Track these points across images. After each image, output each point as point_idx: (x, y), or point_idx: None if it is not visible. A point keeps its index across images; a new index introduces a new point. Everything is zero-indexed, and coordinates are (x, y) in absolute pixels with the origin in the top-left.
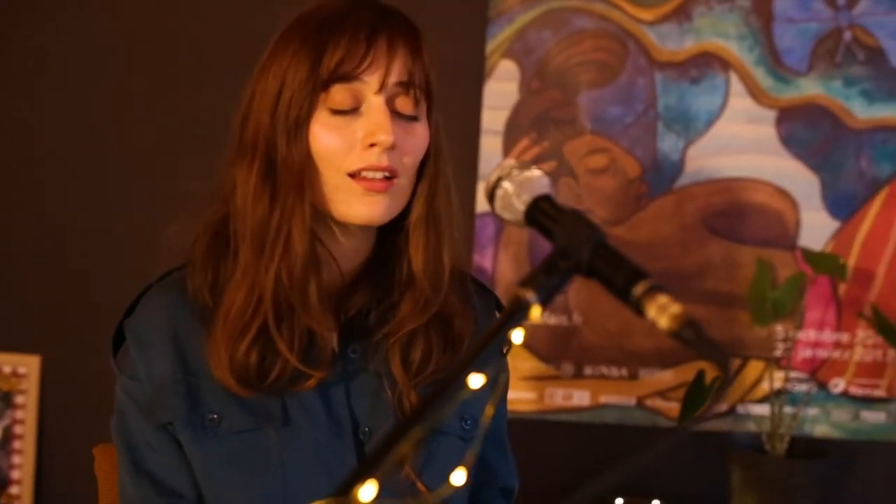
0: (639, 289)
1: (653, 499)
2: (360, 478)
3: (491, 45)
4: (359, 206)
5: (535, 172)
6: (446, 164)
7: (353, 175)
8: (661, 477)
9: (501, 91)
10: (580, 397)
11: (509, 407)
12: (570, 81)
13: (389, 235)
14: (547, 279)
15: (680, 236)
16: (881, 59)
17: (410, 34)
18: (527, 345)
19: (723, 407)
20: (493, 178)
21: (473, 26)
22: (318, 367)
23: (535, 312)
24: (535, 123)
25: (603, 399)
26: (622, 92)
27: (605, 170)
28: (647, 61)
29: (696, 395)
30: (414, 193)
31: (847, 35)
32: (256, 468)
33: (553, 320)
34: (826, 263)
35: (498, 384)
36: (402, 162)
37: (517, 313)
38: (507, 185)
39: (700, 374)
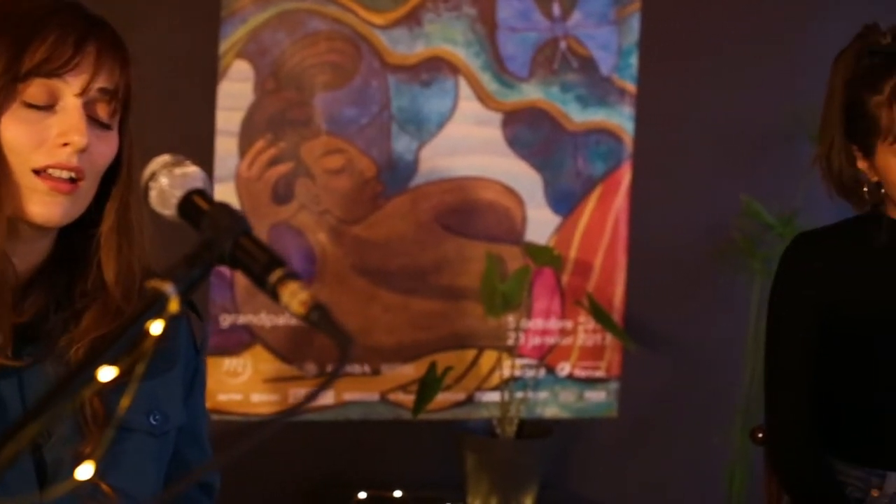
0: (273, 276)
1: (394, 490)
2: None
3: (224, 45)
4: (39, 206)
5: (191, 168)
6: (139, 175)
7: (38, 171)
8: (401, 468)
9: (236, 92)
10: (324, 396)
11: (252, 410)
12: (306, 82)
13: (70, 239)
14: (188, 271)
15: (416, 234)
16: (592, 67)
17: (120, 46)
18: (268, 346)
19: (460, 396)
20: (148, 173)
21: (205, 25)
22: None
23: (174, 305)
24: (270, 124)
25: (347, 396)
26: (357, 94)
27: (341, 170)
28: (380, 64)
29: (428, 387)
30: (104, 201)
31: (563, 45)
32: None
33: (294, 321)
34: (544, 256)
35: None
36: (90, 166)
37: (153, 306)
38: (162, 179)
39: (432, 366)
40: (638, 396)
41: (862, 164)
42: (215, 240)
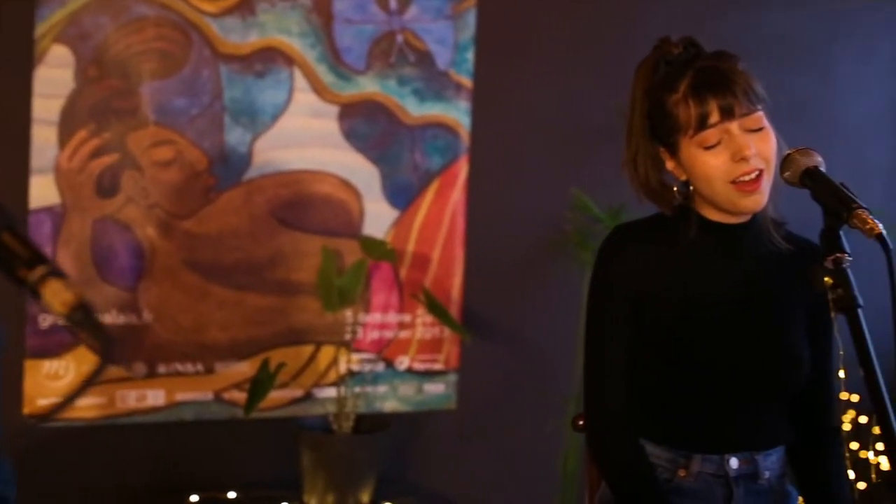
0: (34, 275)
1: (228, 491)
2: None
3: (41, 29)
4: None
5: None
6: None
7: None
8: (237, 468)
9: (54, 78)
10: (155, 397)
11: (75, 414)
12: (132, 70)
13: None
14: None
15: (250, 228)
16: (429, 61)
17: None
18: (93, 347)
19: (297, 393)
20: None
21: (19, 6)
22: None
23: None
24: (93, 113)
25: (179, 396)
26: (187, 83)
27: (171, 162)
28: (211, 53)
29: (260, 385)
30: None
31: (399, 38)
32: None
33: (122, 319)
34: (378, 249)
35: None
36: None
37: None
38: None
39: (264, 364)
40: (476, 388)
41: (670, 165)
42: None
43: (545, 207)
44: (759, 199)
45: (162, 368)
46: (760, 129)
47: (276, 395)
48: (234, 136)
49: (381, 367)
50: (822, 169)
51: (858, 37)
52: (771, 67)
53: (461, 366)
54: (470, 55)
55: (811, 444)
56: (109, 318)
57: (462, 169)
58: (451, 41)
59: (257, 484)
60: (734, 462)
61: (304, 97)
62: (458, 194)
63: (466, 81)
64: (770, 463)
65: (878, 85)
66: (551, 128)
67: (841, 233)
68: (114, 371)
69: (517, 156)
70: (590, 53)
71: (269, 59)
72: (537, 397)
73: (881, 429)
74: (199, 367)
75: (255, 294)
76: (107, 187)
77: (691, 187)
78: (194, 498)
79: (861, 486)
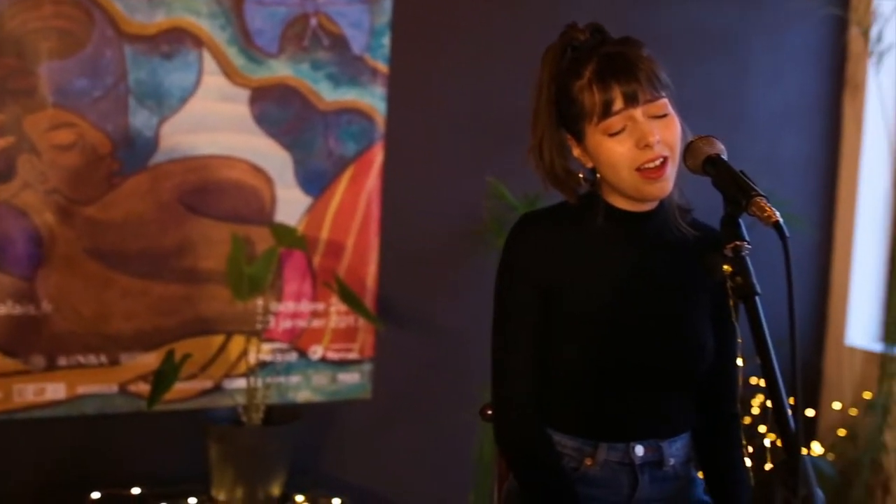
0: None
1: (132, 487)
2: None
3: None
4: None
5: None
6: None
7: None
8: (140, 463)
9: None
10: (55, 391)
11: None
12: (29, 49)
13: None
14: None
15: (157, 215)
16: (344, 45)
17: None
18: None
19: (207, 384)
20: None
21: None
22: None
23: None
24: None
25: (81, 389)
26: (89, 64)
27: (71, 146)
28: (115, 33)
29: (164, 376)
30: None
31: (313, 21)
32: None
33: (18, 309)
34: (288, 236)
35: None
36: None
37: None
38: None
39: (169, 355)
40: (391, 377)
41: (577, 152)
42: None
43: (461, 195)
44: (665, 185)
45: (62, 360)
46: (665, 116)
47: (184, 387)
48: (140, 120)
49: (293, 356)
50: (724, 157)
51: (772, 28)
52: (685, 58)
53: (376, 355)
54: (386, 40)
55: (710, 430)
56: (4, 308)
57: (377, 155)
58: (366, 25)
59: (163, 479)
60: (639, 450)
61: (213, 80)
62: (373, 181)
63: (382, 67)
64: (675, 450)
65: (791, 76)
66: (468, 115)
67: (741, 221)
68: (10, 364)
69: (433, 143)
70: (507, 41)
71: (176, 39)
72: (453, 386)
73: (776, 416)
74: (103, 358)
75: (162, 283)
76: (2, 171)
77: (598, 175)
78: (95, 495)
79: (767, 468)
